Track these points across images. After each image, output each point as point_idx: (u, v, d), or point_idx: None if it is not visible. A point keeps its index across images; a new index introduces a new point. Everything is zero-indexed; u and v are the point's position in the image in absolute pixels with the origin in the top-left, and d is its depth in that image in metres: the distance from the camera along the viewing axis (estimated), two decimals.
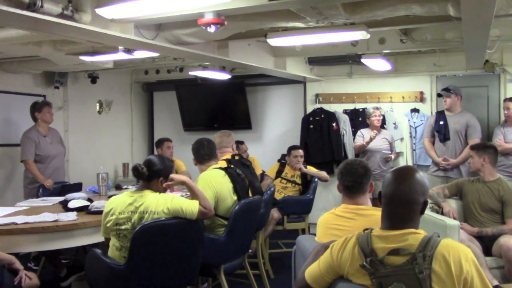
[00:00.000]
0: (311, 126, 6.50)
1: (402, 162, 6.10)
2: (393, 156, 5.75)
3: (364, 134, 5.74)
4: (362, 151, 5.65)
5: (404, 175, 1.83)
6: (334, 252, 1.84)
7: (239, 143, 5.55)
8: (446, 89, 5.26)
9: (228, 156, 3.92)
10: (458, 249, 1.65)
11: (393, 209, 1.79)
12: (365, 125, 5.91)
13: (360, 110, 6.38)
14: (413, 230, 1.73)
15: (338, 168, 2.50)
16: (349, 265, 1.79)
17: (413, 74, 6.24)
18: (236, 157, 3.98)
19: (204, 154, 3.63)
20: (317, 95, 6.70)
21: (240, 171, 3.59)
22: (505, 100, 5.29)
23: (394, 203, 1.79)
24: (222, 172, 3.47)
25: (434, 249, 1.64)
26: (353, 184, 2.37)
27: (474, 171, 3.95)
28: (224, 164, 3.63)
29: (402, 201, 1.77)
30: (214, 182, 3.35)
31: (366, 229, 1.83)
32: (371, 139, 5.49)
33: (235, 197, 3.44)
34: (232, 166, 3.68)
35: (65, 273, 4.08)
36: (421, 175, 1.83)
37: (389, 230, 1.76)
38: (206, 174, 3.45)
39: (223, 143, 4.05)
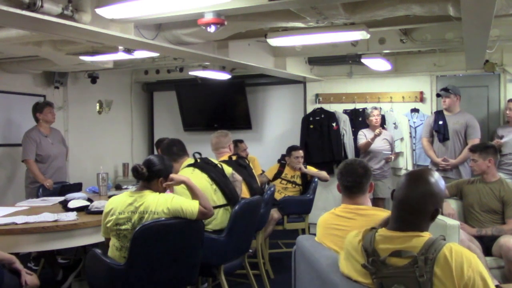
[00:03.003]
0: (311, 126, 6.50)
1: (402, 162, 6.10)
2: (393, 157, 5.76)
3: (366, 134, 5.75)
4: (367, 148, 5.62)
5: (417, 181, 1.78)
6: None
7: (238, 141, 5.53)
8: (445, 89, 5.25)
9: (225, 157, 3.90)
10: (462, 254, 1.62)
11: (402, 213, 1.77)
12: (365, 125, 5.92)
13: (360, 110, 6.39)
14: (418, 232, 1.72)
15: (338, 168, 2.50)
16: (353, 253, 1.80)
17: (413, 74, 6.24)
18: (234, 157, 3.96)
19: (178, 151, 3.56)
20: (317, 95, 6.70)
21: (210, 160, 3.50)
22: (509, 100, 5.30)
23: (403, 208, 1.77)
24: (190, 169, 3.42)
25: (437, 252, 1.61)
26: (353, 184, 2.37)
27: (479, 173, 3.89)
28: (192, 160, 3.53)
29: (411, 208, 1.75)
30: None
31: (373, 228, 1.83)
32: (375, 136, 5.51)
33: (214, 187, 3.37)
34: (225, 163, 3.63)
35: (61, 276, 4.08)
36: (436, 180, 1.77)
37: (395, 231, 1.76)
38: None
39: (220, 143, 4.03)
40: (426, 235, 1.72)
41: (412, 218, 1.74)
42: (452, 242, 1.70)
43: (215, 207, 3.30)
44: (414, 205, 1.74)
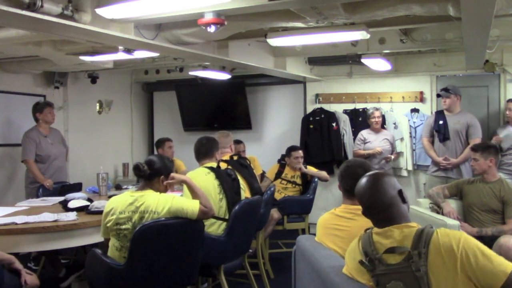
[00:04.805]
0: (311, 126, 6.51)
1: (402, 162, 6.10)
2: (393, 157, 5.77)
3: (364, 136, 5.75)
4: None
5: (368, 183, 1.88)
6: None
7: (236, 142, 5.50)
8: (445, 89, 5.25)
9: (227, 157, 3.91)
10: (448, 235, 1.65)
11: (377, 215, 1.84)
12: (365, 125, 5.93)
13: (360, 110, 6.39)
14: (406, 224, 1.77)
15: (339, 169, 2.50)
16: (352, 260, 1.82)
17: (413, 74, 6.24)
18: (235, 157, 3.97)
19: (199, 153, 3.63)
20: (317, 95, 6.70)
21: (232, 172, 3.54)
22: (509, 100, 5.29)
23: (375, 211, 1.85)
24: (206, 170, 3.44)
25: (427, 244, 1.64)
26: (353, 188, 2.37)
27: (480, 173, 3.88)
28: (214, 164, 3.58)
29: (381, 206, 1.82)
30: (199, 180, 3.33)
31: (367, 229, 1.86)
32: (373, 153, 5.57)
33: (220, 196, 3.38)
34: (229, 166, 3.66)
35: (64, 273, 4.08)
36: (378, 173, 1.95)
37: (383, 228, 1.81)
38: (191, 173, 3.45)
39: (222, 143, 4.05)
40: (414, 226, 1.75)
41: (388, 213, 1.80)
42: (439, 228, 1.72)
43: (215, 218, 3.31)
44: (379, 201, 1.82)
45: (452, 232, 1.66)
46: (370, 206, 1.87)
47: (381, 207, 1.82)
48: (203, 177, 3.36)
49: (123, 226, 2.70)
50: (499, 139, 5.06)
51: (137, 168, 2.78)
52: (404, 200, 1.84)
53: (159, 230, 2.67)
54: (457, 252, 1.59)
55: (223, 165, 3.56)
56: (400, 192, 1.84)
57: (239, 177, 3.62)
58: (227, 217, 3.36)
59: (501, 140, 5.05)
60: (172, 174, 2.86)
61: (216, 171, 3.44)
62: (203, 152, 3.62)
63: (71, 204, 3.61)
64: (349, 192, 2.39)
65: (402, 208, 1.83)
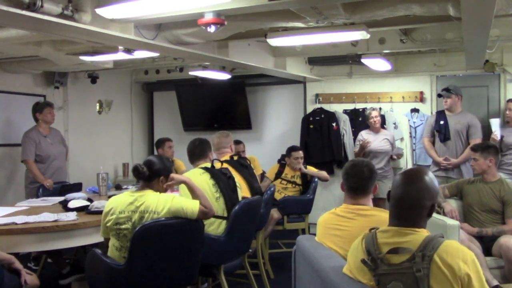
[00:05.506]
0: (311, 126, 6.51)
1: (402, 162, 6.11)
2: (402, 153, 5.82)
3: (364, 136, 5.75)
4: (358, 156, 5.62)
5: (413, 178, 1.83)
6: None
7: (236, 143, 5.49)
8: (446, 89, 5.24)
9: (227, 157, 3.91)
10: (458, 250, 1.64)
11: (400, 211, 1.81)
12: (365, 125, 5.93)
13: (360, 110, 6.39)
14: (416, 229, 1.74)
15: (344, 167, 2.49)
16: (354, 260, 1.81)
17: (413, 74, 6.24)
18: (235, 158, 3.98)
19: (192, 155, 3.64)
20: (317, 95, 6.70)
21: (227, 170, 3.53)
22: (508, 101, 5.29)
23: (401, 206, 1.81)
24: (201, 170, 3.44)
25: (434, 249, 1.63)
26: (358, 186, 2.37)
27: (480, 173, 3.88)
28: (209, 164, 3.56)
29: (408, 205, 1.79)
30: (194, 181, 3.32)
31: (372, 228, 1.85)
32: (364, 146, 5.51)
33: (217, 194, 3.38)
34: (224, 165, 3.65)
35: (68, 270, 4.08)
36: (430, 178, 1.83)
37: (394, 227, 1.79)
38: (185, 174, 3.44)
39: (222, 143, 4.06)
40: (425, 232, 1.74)
41: (410, 214, 1.78)
42: (450, 239, 1.71)
43: (214, 217, 3.30)
44: (411, 201, 1.78)
45: (463, 249, 1.66)
46: (400, 197, 1.81)
47: (409, 204, 1.78)
48: (198, 178, 3.34)
49: (123, 226, 2.70)
50: (495, 139, 5.04)
51: (136, 170, 2.76)
52: (430, 215, 1.80)
53: (159, 230, 2.67)
54: (462, 267, 1.59)
55: (217, 165, 3.55)
56: (432, 206, 1.80)
57: (238, 176, 3.62)
58: (225, 215, 3.36)
59: (497, 141, 5.04)
60: (172, 175, 2.86)
61: (211, 170, 3.44)
62: (197, 153, 3.63)
63: (71, 204, 3.61)
64: (353, 190, 2.38)
65: (424, 219, 1.79)
